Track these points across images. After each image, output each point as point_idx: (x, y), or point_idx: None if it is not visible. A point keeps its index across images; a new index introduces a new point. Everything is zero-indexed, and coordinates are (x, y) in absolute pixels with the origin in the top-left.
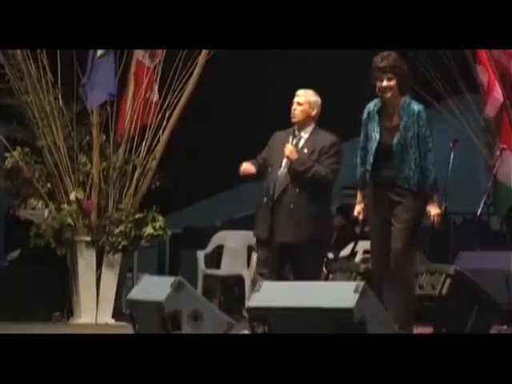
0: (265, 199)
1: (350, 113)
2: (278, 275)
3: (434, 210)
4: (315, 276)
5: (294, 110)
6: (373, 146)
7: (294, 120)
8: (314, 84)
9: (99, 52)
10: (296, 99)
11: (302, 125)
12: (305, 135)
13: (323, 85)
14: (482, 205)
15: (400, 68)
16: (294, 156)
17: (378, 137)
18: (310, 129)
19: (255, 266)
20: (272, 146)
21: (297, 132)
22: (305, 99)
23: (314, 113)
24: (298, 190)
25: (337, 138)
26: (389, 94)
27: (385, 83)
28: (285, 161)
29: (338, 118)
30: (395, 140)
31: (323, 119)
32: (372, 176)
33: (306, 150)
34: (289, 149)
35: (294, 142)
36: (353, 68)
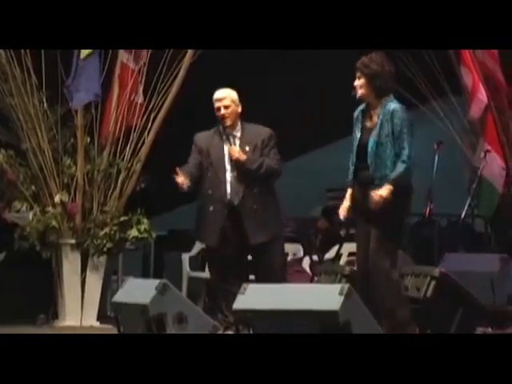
0: (211, 207)
1: (333, 115)
2: (241, 278)
3: (380, 191)
4: (281, 271)
5: (224, 114)
6: (354, 146)
7: (226, 124)
8: (301, 84)
9: (83, 54)
10: (221, 103)
11: (232, 126)
12: (237, 133)
13: (308, 86)
14: (466, 207)
15: (369, 68)
16: (243, 157)
17: (358, 136)
18: (238, 126)
19: (212, 277)
20: (201, 148)
21: (228, 132)
22: (230, 100)
23: (239, 109)
24: (256, 190)
25: (270, 129)
26: (359, 93)
27: (356, 82)
28: (229, 164)
29: (321, 123)
30: (370, 139)
31: (311, 121)
32: (354, 176)
33: (247, 148)
34: (235, 151)
35: (231, 142)
36: (331, 71)
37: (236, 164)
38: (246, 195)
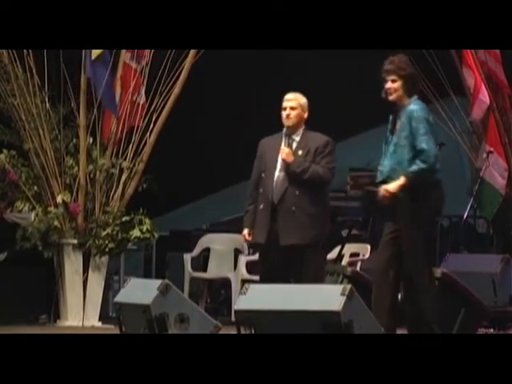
0: (262, 205)
1: (335, 117)
2: (281, 279)
3: (388, 186)
4: (318, 278)
5: (289, 114)
6: (383, 148)
7: (288, 124)
8: (304, 85)
9: (95, 54)
10: (288, 104)
11: (294, 128)
12: (297, 138)
13: (312, 86)
14: (468, 208)
15: (404, 70)
16: (291, 158)
17: (388, 139)
18: (300, 131)
19: (261, 274)
20: (260, 154)
21: (289, 135)
22: (297, 103)
23: (305, 115)
24: (297, 192)
25: (329, 138)
26: (393, 96)
27: (389, 85)
28: (280, 164)
29: (323, 124)
30: (392, 141)
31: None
32: (379, 177)
33: (300, 152)
34: (285, 152)
35: (287, 144)
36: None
37: (284, 165)
38: (287, 196)
